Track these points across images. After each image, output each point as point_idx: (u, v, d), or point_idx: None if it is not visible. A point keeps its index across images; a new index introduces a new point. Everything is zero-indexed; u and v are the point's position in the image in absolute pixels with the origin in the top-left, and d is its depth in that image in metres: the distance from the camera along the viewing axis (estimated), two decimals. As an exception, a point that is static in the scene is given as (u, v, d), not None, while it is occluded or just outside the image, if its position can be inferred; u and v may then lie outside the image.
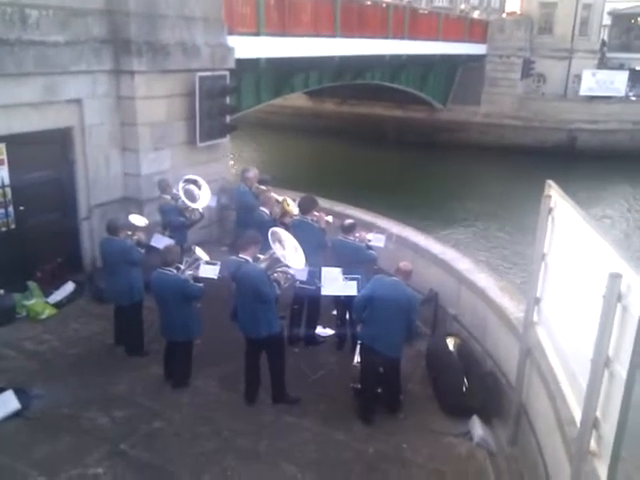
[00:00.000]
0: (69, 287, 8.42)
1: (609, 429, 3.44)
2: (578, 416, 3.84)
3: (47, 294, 8.20)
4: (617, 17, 45.46)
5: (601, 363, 3.53)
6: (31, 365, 6.79)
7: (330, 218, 7.70)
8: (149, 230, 7.68)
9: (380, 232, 7.92)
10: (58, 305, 8.15)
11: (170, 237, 7.78)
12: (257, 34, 13.95)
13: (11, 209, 8.11)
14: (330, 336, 7.57)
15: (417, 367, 6.91)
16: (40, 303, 7.97)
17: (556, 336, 4.63)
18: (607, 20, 42.46)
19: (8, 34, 7.36)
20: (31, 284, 8.13)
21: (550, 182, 4.94)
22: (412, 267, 6.13)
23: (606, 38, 42.75)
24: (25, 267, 8.28)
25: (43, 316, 7.87)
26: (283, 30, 15.23)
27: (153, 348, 6.94)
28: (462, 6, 43.20)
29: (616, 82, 32.43)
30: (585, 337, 3.80)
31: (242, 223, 8.22)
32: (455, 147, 29.58)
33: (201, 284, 6.23)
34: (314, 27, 16.88)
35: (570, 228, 4.42)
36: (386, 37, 21.30)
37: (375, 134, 30.77)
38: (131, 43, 8.80)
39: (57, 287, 8.37)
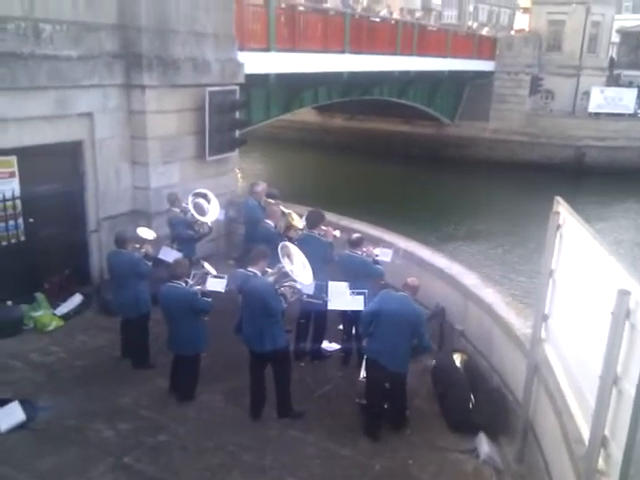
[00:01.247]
0: (76, 299, 8.45)
1: (617, 448, 3.41)
2: (586, 434, 3.81)
3: (54, 306, 8.23)
4: (626, 35, 45.49)
5: (609, 381, 3.51)
6: (37, 377, 6.80)
7: (338, 232, 7.71)
8: (157, 243, 7.72)
9: (387, 247, 7.92)
10: (65, 317, 8.17)
11: (178, 250, 7.81)
12: (267, 50, 14.10)
13: (21, 221, 8.18)
14: (336, 351, 7.54)
15: (423, 383, 6.86)
16: (47, 315, 8.00)
17: (564, 353, 4.60)
18: (616, 38, 42.51)
19: (22, 48, 7.47)
20: (39, 296, 8.17)
21: (558, 199, 4.93)
22: (419, 283, 6.11)
23: (615, 56, 42.78)
24: (33, 279, 8.33)
25: (50, 328, 7.90)
26: (293, 46, 15.37)
27: (159, 361, 6.94)
28: (470, 23, 43.44)
29: (625, 99, 32.44)
30: (593, 354, 3.77)
31: (250, 237, 8.25)
32: (463, 163, 29.60)
33: (210, 298, 6.24)
34: (323, 43, 17.03)
35: (578, 245, 4.41)
36: (395, 53, 21.45)
37: (383, 149, 30.85)
38: (142, 58, 8.91)
39: (64, 299, 8.40)
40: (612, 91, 33.31)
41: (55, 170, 8.58)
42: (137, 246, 7.11)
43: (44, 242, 8.43)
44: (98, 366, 7.06)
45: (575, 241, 4.52)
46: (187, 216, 8.28)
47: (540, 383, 5.17)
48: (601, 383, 3.55)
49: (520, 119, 30.97)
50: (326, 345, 7.60)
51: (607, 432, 3.58)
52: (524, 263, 17.51)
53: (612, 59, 39.72)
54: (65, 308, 8.27)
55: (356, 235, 7.38)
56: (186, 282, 6.25)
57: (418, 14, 31.28)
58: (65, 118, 8.32)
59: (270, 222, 8.03)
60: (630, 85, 37.19)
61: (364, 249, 7.20)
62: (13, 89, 7.44)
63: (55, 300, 8.31)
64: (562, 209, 4.86)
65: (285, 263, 5.81)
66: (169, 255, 7.41)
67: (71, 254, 8.93)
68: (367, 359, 6.07)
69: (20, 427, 5.80)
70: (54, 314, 8.11)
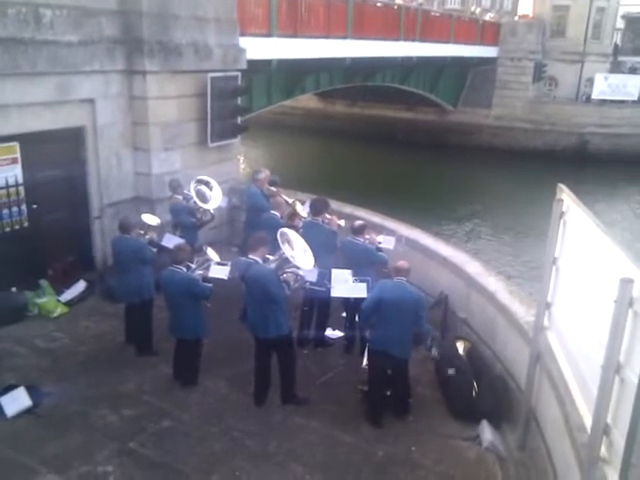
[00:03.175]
0: (80, 286, 8.47)
1: (620, 435, 3.42)
2: (588, 422, 3.82)
3: (59, 292, 8.26)
4: (630, 21, 45.02)
5: (612, 369, 3.51)
6: (42, 363, 6.83)
7: (342, 222, 7.70)
8: (160, 230, 7.73)
9: (390, 234, 7.92)
10: (69, 303, 8.20)
11: (181, 237, 7.81)
12: (269, 35, 13.99)
13: (24, 207, 8.17)
14: (339, 338, 7.57)
15: (426, 370, 6.89)
16: (52, 301, 8.03)
17: (567, 341, 4.61)
18: (620, 24, 42.12)
19: (22, 33, 7.42)
20: (43, 282, 8.19)
21: (562, 186, 4.92)
22: (409, 265, 6.06)
23: (619, 42, 42.42)
24: (37, 265, 8.35)
25: (54, 314, 7.93)
26: (295, 31, 15.24)
27: (163, 347, 6.96)
28: (473, 8, 43.03)
29: (629, 86, 32.25)
30: (596, 342, 3.78)
31: (252, 224, 8.24)
32: (466, 149, 29.52)
33: (210, 284, 6.25)
34: (326, 28, 16.88)
35: (582, 232, 4.40)
36: (397, 39, 21.30)
37: (385, 136, 30.77)
38: (143, 43, 8.85)
39: (69, 286, 8.42)
40: (616, 78, 33.13)
41: (58, 156, 8.56)
42: (141, 232, 7.12)
43: (48, 228, 8.45)
44: (102, 352, 7.11)
45: (578, 229, 4.51)
46: (189, 203, 8.27)
47: (543, 371, 5.19)
48: (603, 371, 3.55)
49: (523, 106, 30.83)
50: (329, 332, 7.63)
51: (609, 420, 3.59)
52: (527, 251, 17.52)
53: (616, 45, 39.39)
54: (69, 295, 8.29)
55: (359, 222, 7.37)
56: (188, 267, 6.27)
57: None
58: (66, 104, 8.29)
59: (276, 213, 8.02)
60: (634, 72, 36.94)
61: (367, 236, 7.19)
62: (14, 75, 7.41)
63: (59, 286, 8.34)
64: (565, 196, 4.84)
65: (285, 249, 5.81)
66: (172, 242, 7.39)
67: (75, 240, 8.95)
68: (370, 347, 6.08)
69: (26, 412, 5.85)
70: (58, 300, 8.14)
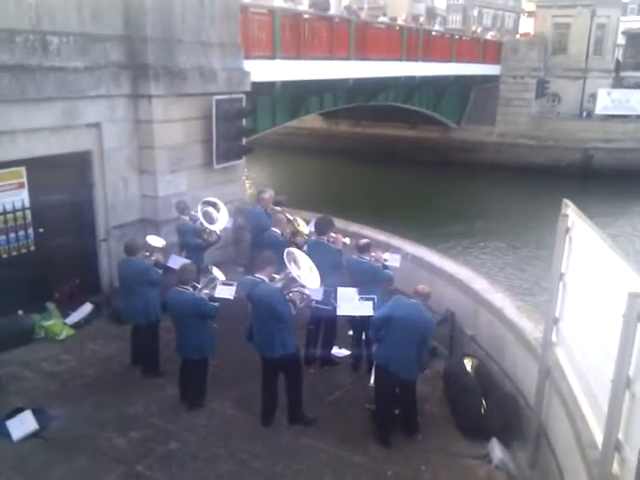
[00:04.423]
0: (87, 308, 8.49)
1: (632, 451, 3.37)
2: (599, 438, 3.78)
3: (65, 315, 8.28)
4: (631, 37, 45.29)
5: (622, 384, 3.48)
6: (49, 385, 6.83)
7: (347, 240, 7.71)
8: (166, 251, 7.75)
9: (395, 252, 7.92)
10: (76, 326, 8.21)
11: (187, 258, 7.83)
12: (273, 57, 14.16)
13: (31, 231, 8.23)
14: (346, 357, 7.53)
15: (435, 388, 6.83)
16: (58, 324, 8.05)
17: (575, 356, 4.58)
18: (621, 40, 42.39)
19: (30, 60, 7.53)
20: (49, 305, 8.21)
21: (567, 201, 4.92)
22: (430, 290, 6.08)
23: (621, 58, 42.64)
24: (44, 288, 8.37)
25: (61, 337, 7.94)
26: (298, 53, 15.43)
27: (169, 369, 6.95)
28: (474, 27, 43.45)
29: (632, 101, 32.35)
30: (605, 357, 3.75)
31: (257, 244, 8.27)
32: (470, 167, 29.57)
33: (217, 303, 6.26)
34: (329, 50, 17.08)
35: (588, 247, 4.39)
36: (400, 59, 21.49)
37: (389, 154, 30.91)
38: (149, 68, 8.96)
39: (75, 308, 8.45)
40: (619, 93, 33.29)
41: (64, 180, 8.62)
42: (147, 254, 7.15)
43: (54, 252, 8.49)
44: (109, 374, 7.09)
45: (584, 244, 4.50)
46: (196, 224, 8.31)
47: (552, 387, 5.14)
48: (613, 387, 3.52)
49: (527, 122, 30.95)
50: (336, 351, 7.60)
51: (621, 436, 3.55)
52: (534, 266, 17.44)
53: (618, 61, 39.58)
54: (76, 317, 8.31)
55: (364, 240, 7.37)
56: (194, 287, 6.28)
57: (422, 19, 31.26)
58: (73, 129, 8.38)
59: (277, 230, 8.06)
60: (636, 87, 37.05)
61: (373, 254, 7.19)
62: (21, 101, 7.51)
63: (66, 309, 8.36)
64: (570, 211, 4.84)
65: (292, 268, 5.81)
66: (178, 263, 7.40)
67: (81, 263, 8.98)
68: (376, 365, 6.05)
69: (33, 436, 5.83)
70: (65, 323, 8.15)
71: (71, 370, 7.20)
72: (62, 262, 8.60)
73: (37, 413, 6.00)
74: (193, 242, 8.22)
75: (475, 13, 60.76)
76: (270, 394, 6.14)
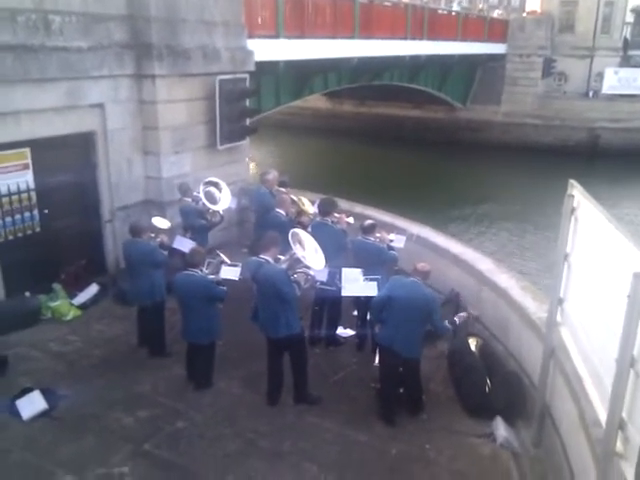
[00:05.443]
0: (93, 289, 8.53)
1: (635, 430, 3.40)
2: (603, 417, 3.80)
3: (71, 296, 8.32)
4: (640, 14, 44.75)
5: (626, 363, 3.49)
6: (56, 366, 6.89)
7: (351, 219, 7.71)
8: (171, 232, 7.77)
9: (400, 233, 7.91)
10: (82, 307, 8.27)
11: (192, 239, 7.85)
12: (276, 37, 14.02)
13: (36, 212, 8.24)
14: (351, 337, 7.57)
15: (439, 368, 6.87)
16: (65, 305, 8.10)
17: (580, 336, 4.59)
18: (630, 17, 41.74)
19: (32, 40, 7.48)
20: (56, 286, 8.26)
21: (573, 182, 4.89)
22: (430, 268, 6.07)
23: (629, 36, 42.06)
24: (50, 269, 8.41)
25: (68, 317, 7.99)
26: (302, 32, 15.26)
27: (175, 349, 6.99)
28: (481, 5, 42.87)
29: (639, 80, 31.98)
30: (610, 337, 3.75)
31: (261, 225, 8.27)
32: (476, 146, 29.41)
33: (224, 287, 6.28)
34: (333, 29, 16.89)
35: (593, 228, 4.37)
36: (405, 38, 21.27)
37: (394, 135, 30.76)
38: (152, 47, 8.90)
39: (81, 289, 8.49)
40: (626, 72, 32.91)
41: (68, 161, 8.62)
42: (152, 235, 7.16)
43: (59, 233, 8.52)
44: (115, 355, 7.15)
45: (590, 224, 4.49)
46: (199, 205, 8.31)
47: (556, 367, 5.16)
48: (618, 366, 3.53)
49: (533, 102, 30.66)
50: (341, 331, 7.63)
51: (625, 415, 3.57)
52: (540, 246, 17.42)
53: (626, 39, 39.06)
54: (82, 298, 8.36)
55: (369, 221, 7.36)
56: (201, 270, 6.29)
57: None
58: (76, 109, 8.35)
59: (281, 210, 8.06)
60: (643, 65, 36.65)
61: (378, 235, 7.19)
62: (25, 81, 7.48)
63: (72, 290, 8.40)
64: (576, 192, 4.82)
65: (297, 249, 5.82)
66: (183, 244, 7.45)
67: (86, 244, 9.01)
68: (380, 346, 6.08)
69: (42, 415, 5.89)
70: (71, 304, 8.20)
71: (78, 350, 7.26)
72: (67, 243, 8.64)
73: (46, 393, 6.07)
74: (197, 223, 8.22)
75: (481, -10, 59.86)
76: (275, 374, 6.18)
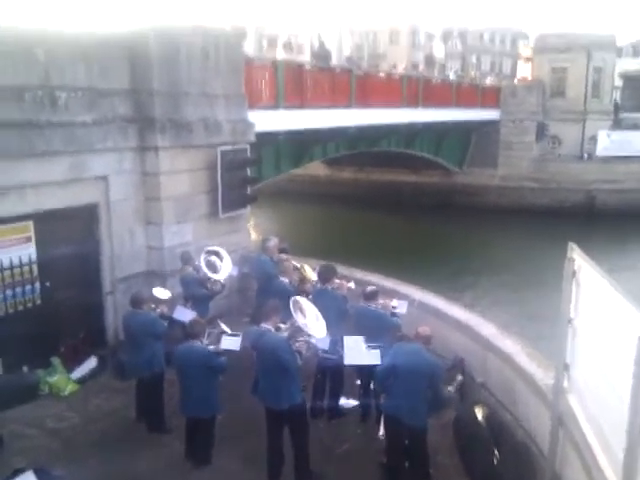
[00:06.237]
0: (92, 362, 8.39)
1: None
2: (617, 489, 3.67)
3: (70, 370, 8.18)
4: (628, 78, 46.22)
5: (637, 432, 3.40)
6: (52, 444, 6.71)
7: (352, 284, 7.69)
8: (172, 303, 7.73)
9: (402, 298, 7.87)
10: (80, 381, 8.11)
11: (192, 309, 7.80)
12: (276, 108, 14.42)
13: (37, 285, 8.21)
14: (354, 407, 7.39)
15: (445, 437, 6.68)
16: (63, 379, 7.96)
17: (588, 403, 4.48)
18: (618, 82, 43.15)
19: (39, 116, 7.66)
20: (54, 360, 8.13)
21: (572, 245, 4.90)
22: (431, 332, 6.00)
23: (619, 99, 43.32)
24: (49, 343, 8.28)
25: (66, 392, 7.84)
26: (301, 103, 15.70)
27: (174, 423, 6.81)
28: (473, 73, 44.38)
29: (633, 142, 32.74)
30: (618, 404, 3.67)
31: (263, 292, 8.24)
32: (473, 210, 29.63)
33: (225, 357, 6.19)
34: (331, 99, 17.41)
35: (595, 291, 4.35)
36: (400, 106, 21.85)
37: (392, 200, 31.06)
38: (155, 121, 9.12)
39: (80, 362, 8.35)
40: (619, 134, 33.80)
41: (71, 233, 8.66)
42: (153, 306, 7.13)
43: (60, 305, 8.45)
44: (113, 431, 6.96)
45: (592, 288, 4.46)
46: (200, 274, 8.30)
47: (566, 435, 5.01)
48: (628, 436, 3.44)
49: (528, 165, 31.25)
50: (344, 401, 7.46)
51: (639, 486, 3.45)
52: (543, 311, 17.23)
53: (616, 103, 40.20)
54: (80, 372, 8.21)
55: (371, 288, 7.34)
56: (201, 341, 6.22)
57: (421, 67, 32.00)
58: (80, 182, 8.46)
59: (285, 278, 8.05)
60: (635, 127, 37.54)
61: (380, 301, 7.16)
62: (30, 155, 7.61)
63: (71, 363, 8.26)
64: (576, 255, 4.82)
65: (298, 317, 5.78)
66: (184, 315, 7.40)
67: (87, 316, 8.92)
68: (385, 416, 5.94)
69: (35, 497, 5.68)
70: (69, 378, 8.06)
71: (74, 427, 7.07)
72: (68, 315, 8.55)
73: (39, 473, 5.83)
74: (198, 293, 8.19)
75: (473, 59, 62.14)
76: (276, 450, 5.98)
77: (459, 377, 6.32)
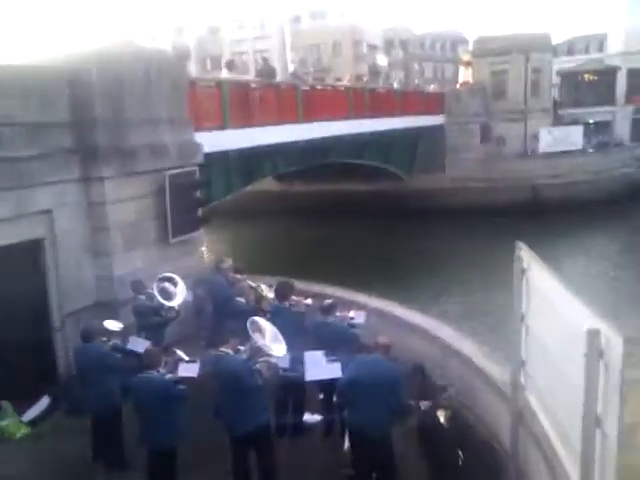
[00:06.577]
0: (44, 402, 8.03)
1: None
2: (577, 479, 3.72)
3: (21, 412, 7.82)
4: (565, 76, 47.99)
5: (592, 423, 3.47)
6: (3, 493, 6.37)
7: (309, 300, 7.67)
8: (124, 334, 7.52)
9: (360, 308, 7.89)
10: (33, 422, 7.76)
11: (147, 338, 7.59)
12: (223, 127, 14.37)
13: (-18, 326, 7.89)
14: (318, 422, 7.32)
15: (410, 445, 6.67)
16: (14, 423, 7.61)
17: (545, 398, 4.56)
18: (556, 79, 44.66)
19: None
20: (4, 403, 7.76)
21: (520, 243, 5.00)
22: (390, 341, 6.02)
23: (557, 96, 44.83)
24: (-2, 386, 7.96)
25: (17, 436, 7.50)
26: (248, 121, 15.72)
27: (134, 458, 6.55)
28: (416, 81, 45.25)
29: (572, 137, 33.95)
30: (573, 397, 3.73)
31: (220, 314, 8.16)
32: (425, 213, 29.90)
33: (184, 386, 6.04)
34: (278, 115, 17.46)
35: (544, 288, 4.45)
36: (348, 118, 22.11)
37: (345, 209, 31.11)
38: (98, 150, 8.92)
39: (31, 403, 7.99)
40: (559, 130, 35.13)
41: (16, 269, 8.32)
42: (104, 339, 6.92)
43: (7, 345, 8.06)
44: (67, 474, 6.58)
45: (541, 285, 4.56)
46: (153, 302, 8.12)
47: (526, 431, 5.09)
48: (584, 427, 3.50)
49: (476, 166, 32.09)
50: (308, 416, 7.39)
51: (597, 476, 3.50)
52: (497, 309, 17.48)
53: (555, 100, 41.56)
54: (32, 413, 7.84)
55: (328, 301, 7.34)
56: (158, 371, 6.07)
57: (365, 78, 32.43)
58: (25, 217, 8.18)
59: (241, 299, 7.98)
60: (574, 123, 38.95)
61: (338, 314, 7.15)
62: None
63: (21, 405, 7.89)
64: (524, 253, 4.92)
65: (256, 338, 5.73)
66: (138, 345, 7.19)
67: (36, 355, 8.55)
68: (350, 429, 5.91)
69: None
70: (21, 421, 7.71)
71: (24, 474, 6.66)
72: (16, 356, 8.17)
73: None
74: (152, 321, 8.01)
75: (416, 67, 63.34)
76: (242, 473, 5.88)
77: (427, 402, 6.37)
